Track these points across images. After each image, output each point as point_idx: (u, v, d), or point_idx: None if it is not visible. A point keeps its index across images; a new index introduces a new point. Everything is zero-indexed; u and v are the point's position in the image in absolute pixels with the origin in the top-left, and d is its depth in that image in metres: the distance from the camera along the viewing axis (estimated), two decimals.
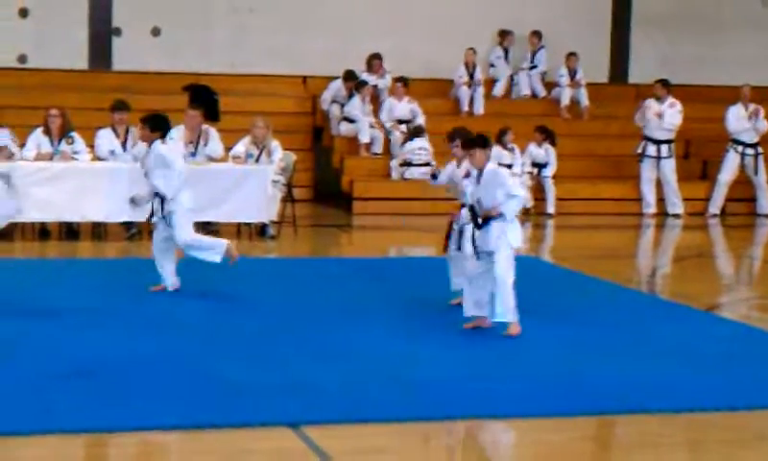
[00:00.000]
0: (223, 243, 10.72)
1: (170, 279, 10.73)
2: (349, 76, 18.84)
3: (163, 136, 10.64)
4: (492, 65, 20.46)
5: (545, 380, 7.84)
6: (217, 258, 10.65)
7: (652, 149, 18.39)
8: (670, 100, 18.38)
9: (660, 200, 18.47)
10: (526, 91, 20.68)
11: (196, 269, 10.97)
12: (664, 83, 18.56)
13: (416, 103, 18.83)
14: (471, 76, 19.93)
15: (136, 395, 7.17)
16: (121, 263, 12.73)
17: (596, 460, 6.75)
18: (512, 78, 20.66)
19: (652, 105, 18.37)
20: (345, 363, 8.15)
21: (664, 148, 18.40)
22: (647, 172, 18.37)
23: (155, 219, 10.73)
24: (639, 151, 18.43)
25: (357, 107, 18.41)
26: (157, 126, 10.59)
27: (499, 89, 20.54)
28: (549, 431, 7.02)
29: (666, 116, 18.26)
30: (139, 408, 6.89)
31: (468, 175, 9.45)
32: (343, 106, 18.75)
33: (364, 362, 8.22)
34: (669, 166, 18.40)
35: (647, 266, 14.25)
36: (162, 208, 10.56)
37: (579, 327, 9.58)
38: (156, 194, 10.58)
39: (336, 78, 19.00)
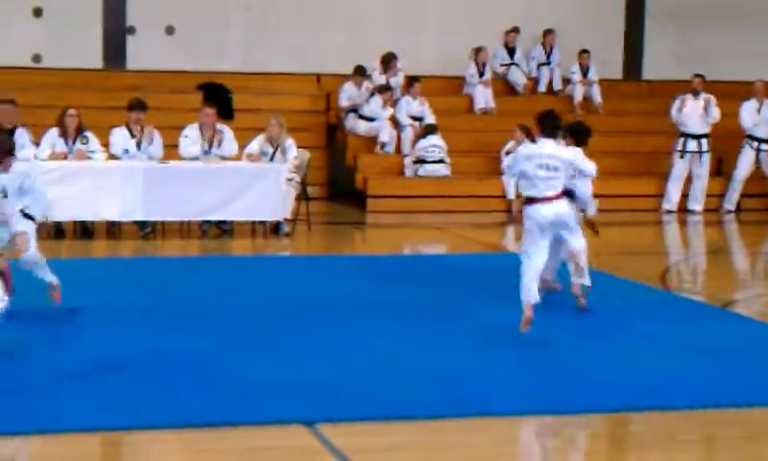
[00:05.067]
0: None
1: None
2: (358, 71, 18.84)
3: None
4: (502, 65, 20.44)
5: (560, 377, 7.84)
6: None
7: (692, 144, 18.24)
8: (704, 95, 18.21)
9: (684, 195, 18.36)
10: (542, 88, 20.72)
11: (209, 267, 10.97)
12: (702, 77, 18.39)
13: (426, 102, 18.84)
14: (482, 73, 19.93)
15: (152, 393, 7.19)
16: (135, 262, 12.74)
17: (611, 458, 6.75)
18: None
19: (689, 100, 18.23)
20: (360, 361, 8.17)
21: (704, 142, 18.25)
22: (682, 169, 18.19)
23: None
24: (679, 148, 18.25)
25: (379, 105, 18.40)
26: None
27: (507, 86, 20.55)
28: (563, 428, 7.02)
29: (711, 109, 18.05)
30: (155, 406, 6.91)
31: None
32: (359, 111, 18.72)
33: (380, 360, 8.23)
34: (707, 161, 18.24)
35: (663, 263, 14.20)
36: None
37: (593, 323, 9.57)
38: None
39: (347, 77, 18.96)
